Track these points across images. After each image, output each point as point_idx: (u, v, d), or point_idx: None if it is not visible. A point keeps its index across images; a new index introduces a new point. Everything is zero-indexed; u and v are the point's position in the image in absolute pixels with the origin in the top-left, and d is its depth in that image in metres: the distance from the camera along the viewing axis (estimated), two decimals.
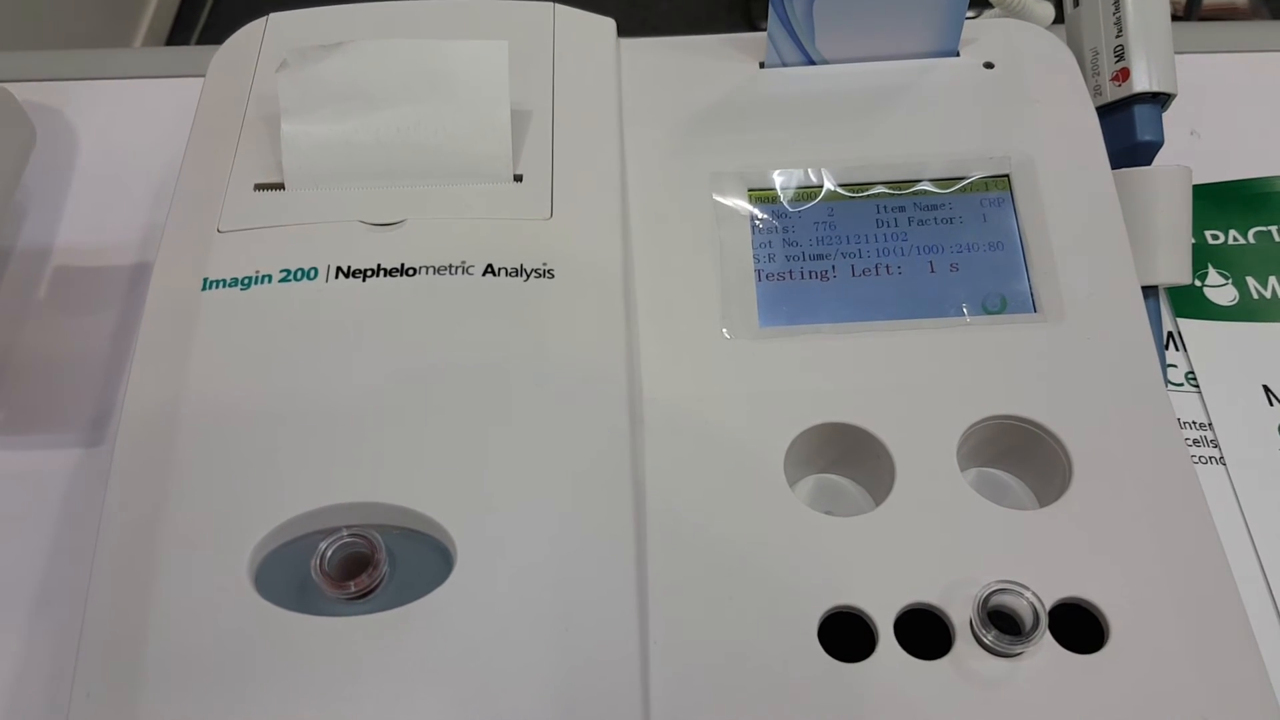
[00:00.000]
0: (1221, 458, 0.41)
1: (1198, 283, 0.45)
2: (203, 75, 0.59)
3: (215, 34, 1.79)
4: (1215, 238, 0.47)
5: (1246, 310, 0.45)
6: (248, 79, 0.39)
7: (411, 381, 0.32)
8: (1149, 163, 0.41)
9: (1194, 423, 0.42)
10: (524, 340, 0.33)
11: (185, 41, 1.80)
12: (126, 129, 0.57)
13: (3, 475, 0.46)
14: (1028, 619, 0.30)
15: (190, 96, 0.58)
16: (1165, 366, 0.42)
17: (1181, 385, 0.43)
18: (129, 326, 0.49)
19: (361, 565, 0.29)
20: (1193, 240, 0.42)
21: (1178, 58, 0.41)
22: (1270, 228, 0.47)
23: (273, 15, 0.40)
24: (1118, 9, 0.41)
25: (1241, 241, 0.47)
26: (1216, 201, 0.48)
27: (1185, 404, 0.42)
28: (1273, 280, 0.46)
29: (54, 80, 0.59)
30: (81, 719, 0.28)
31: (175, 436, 0.31)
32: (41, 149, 0.53)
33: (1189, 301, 0.45)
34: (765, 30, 0.41)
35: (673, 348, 0.36)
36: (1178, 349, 0.44)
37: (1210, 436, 0.41)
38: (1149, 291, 0.40)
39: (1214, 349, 0.44)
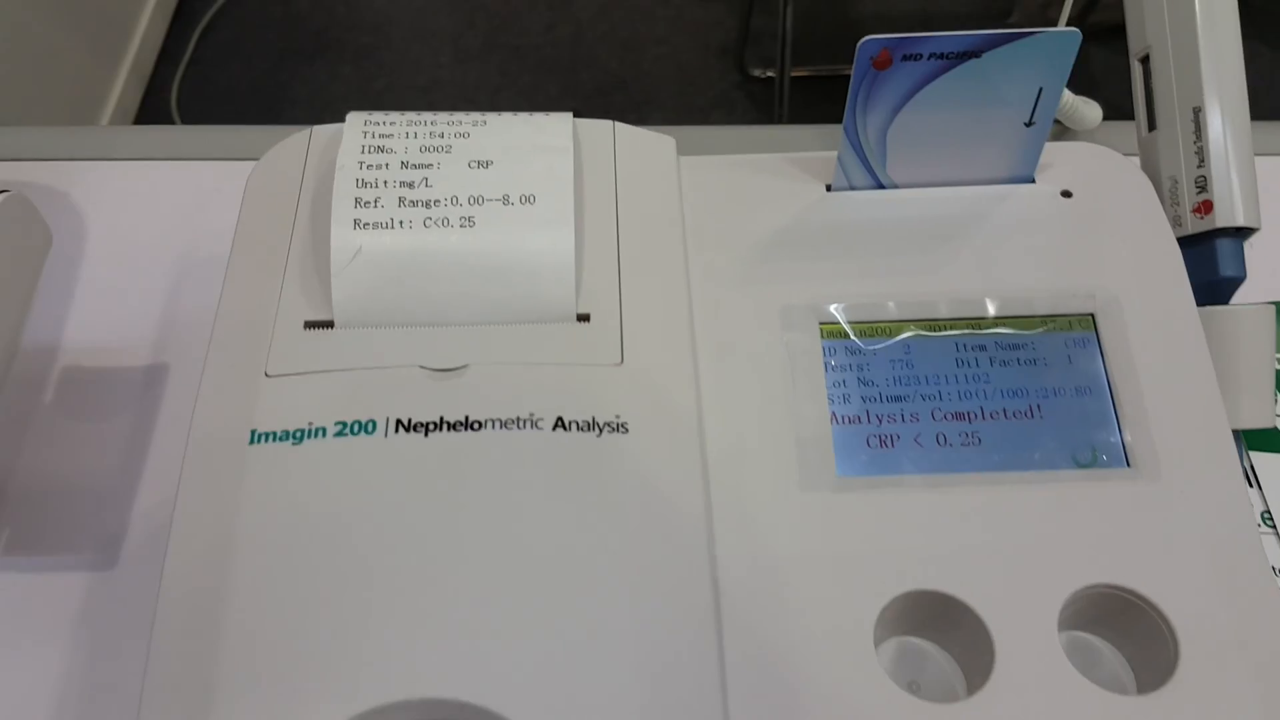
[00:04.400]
0: None
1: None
2: (214, 159, 0.57)
3: (201, 69, 1.76)
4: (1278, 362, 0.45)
5: None
6: (291, 199, 0.36)
7: (481, 552, 0.29)
8: (1228, 298, 0.40)
9: (1275, 569, 0.40)
10: (600, 504, 0.30)
11: (170, 77, 1.77)
12: (135, 216, 0.54)
13: (6, 600, 0.43)
14: None
15: (201, 181, 0.56)
16: None
17: (1259, 526, 0.41)
18: (143, 434, 0.47)
19: None
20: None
21: None
22: None
23: (316, 128, 0.38)
24: (1199, 137, 0.39)
25: None
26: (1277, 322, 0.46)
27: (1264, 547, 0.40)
28: None
29: (58, 160, 0.56)
30: None
31: (221, 615, 0.28)
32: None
33: (1259, 433, 0.43)
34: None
35: (745, 500, 0.33)
36: (1251, 485, 0.42)
37: None
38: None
39: None
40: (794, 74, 1.56)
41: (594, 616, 0.29)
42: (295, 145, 0.38)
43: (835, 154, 0.39)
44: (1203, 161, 0.39)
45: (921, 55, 0.35)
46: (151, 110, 1.73)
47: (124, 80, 1.71)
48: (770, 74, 1.67)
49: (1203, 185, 0.39)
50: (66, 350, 0.49)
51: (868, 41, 0.35)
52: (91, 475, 0.46)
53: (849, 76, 0.35)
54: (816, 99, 1.61)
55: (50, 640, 0.42)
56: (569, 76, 1.75)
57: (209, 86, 1.77)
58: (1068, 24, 0.41)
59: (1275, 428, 0.43)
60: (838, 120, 0.38)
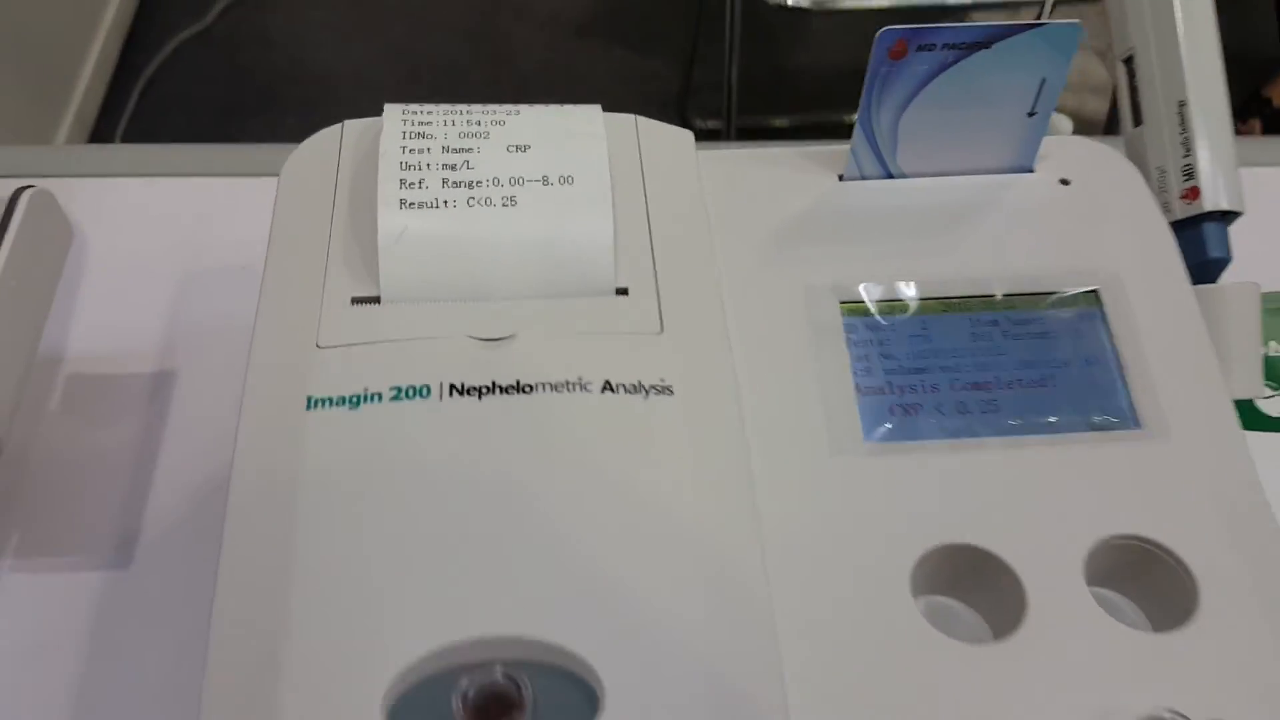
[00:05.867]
0: None
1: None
2: (205, 175, 0.57)
3: (144, 123, 1.75)
4: (1276, 348, 0.48)
5: None
6: (329, 187, 0.37)
7: (538, 504, 0.30)
8: (1215, 279, 0.42)
9: None
10: (651, 459, 0.31)
11: (113, 129, 1.76)
12: (135, 230, 0.54)
13: (21, 603, 0.42)
14: None
15: (203, 196, 0.56)
16: None
17: None
18: (152, 440, 0.47)
19: (504, 708, 0.27)
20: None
21: None
22: None
23: (348, 122, 0.39)
24: (1184, 129, 0.42)
25: None
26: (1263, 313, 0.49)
27: None
28: None
29: (50, 177, 0.56)
30: None
31: (289, 569, 0.29)
32: None
33: (1241, 413, 0.45)
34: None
35: (779, 466, 0.35)
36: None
37: None
38: None
39: (1271, 459, 0.44)
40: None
41: (651, 564, 0.30)
42: (329, 137, 0.39)
43: (841, 146, 0.41)
44: (1189, 152, 0.42)
45: (936, 45, 0.37)
46: None
47: (66, 133, 1.69)
48: (712, 124, 1.71)
49: (1189, 173, 0.41)
50: (71, 359, 0.49)
51: (885, 32, 0.37)
52: (102, 480, 0.46)
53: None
54: None
55: (67, 640, 0.41)
56: None
57: (152, 139, 1.76)
58: None
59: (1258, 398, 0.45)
60: None
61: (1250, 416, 0.45)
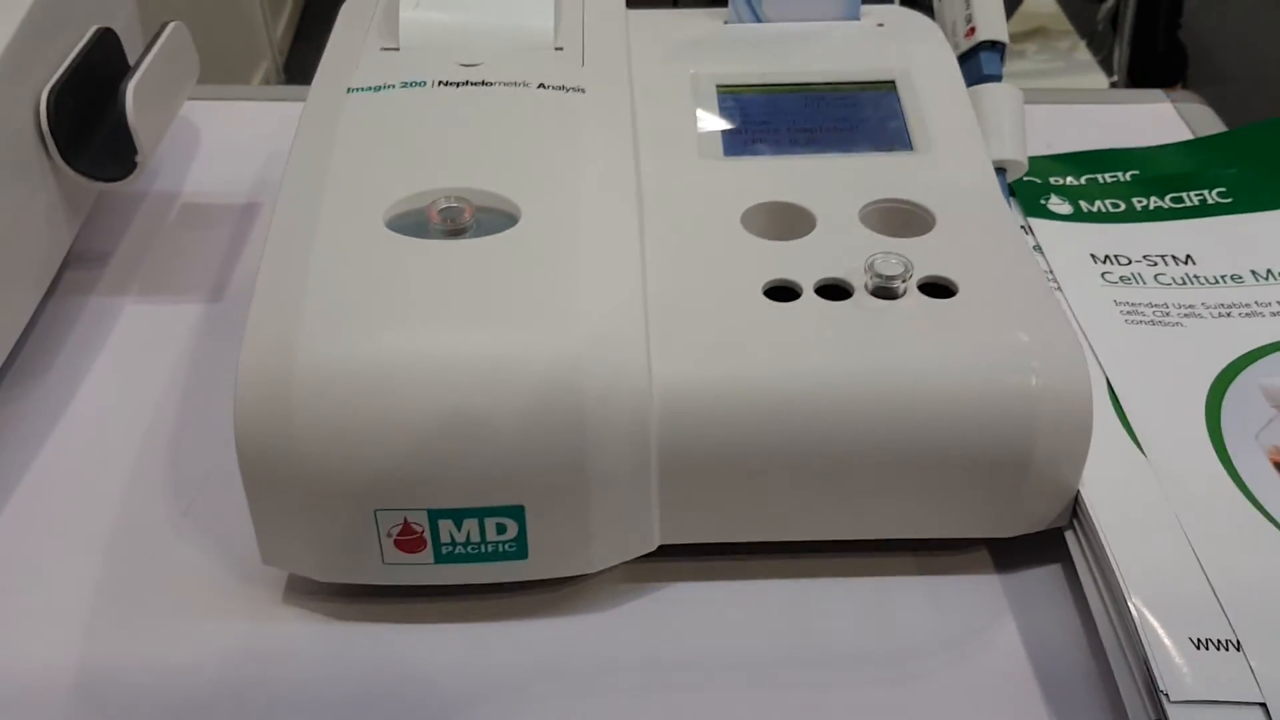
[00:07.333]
0: (1060, 288, 0.56)
1: (1043, 202, 0.62)
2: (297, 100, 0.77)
3: None
4: (1058, 181, 0.64)
5: (1079, 217, 0.61)
6: (371, 7, 0.56)
7: (491, 134, 0.48)
8: None
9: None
10: (565, 120, 0.49)
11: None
12: (240, 129, 0.74)
13: (146, 321, 0.59)
14: (901, 268, 0.44)
15: (293, 113, 0.76)
16: None
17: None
18: (242, 236, 0.65)
19: (460, 218, 0.44)
20: (1025, 133, 0.58)
21: (1056, 107, 0.63)
22: (1096, 175, 0.65)
23: None
24: None
25: (1077, 183, 0.64)
26: (1063, 161, 0.66)
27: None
28: (1097, 202, 0.63)
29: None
30: (255, 331, 0.42)
31: (332, 151, 0.46)
32: (174, 137, 0.71)
33: (1038, 211, 0.61)
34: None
35: (661, 162, 0.51)
36: (1028, 234, 0.60)
37: (1052, 277, 0.57)
38: (998, 168, 0.57)
39: (1055, 235, 0.60)
40: None
41: (563, 156, 0.47)
42: None
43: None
44: (969, 6, 0.59)
45: None
46: None
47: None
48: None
49: (969, 20, 0.59)
50: (186, 194, 0.68)
51: None
52: (202, 257, 0.63)
53: None
54: None
55: (172, 346, 0.58)
56: None
57: None
58: None
59: (1040, 203, 0.61)
60: None
61: (1045, 213, 0.61)
